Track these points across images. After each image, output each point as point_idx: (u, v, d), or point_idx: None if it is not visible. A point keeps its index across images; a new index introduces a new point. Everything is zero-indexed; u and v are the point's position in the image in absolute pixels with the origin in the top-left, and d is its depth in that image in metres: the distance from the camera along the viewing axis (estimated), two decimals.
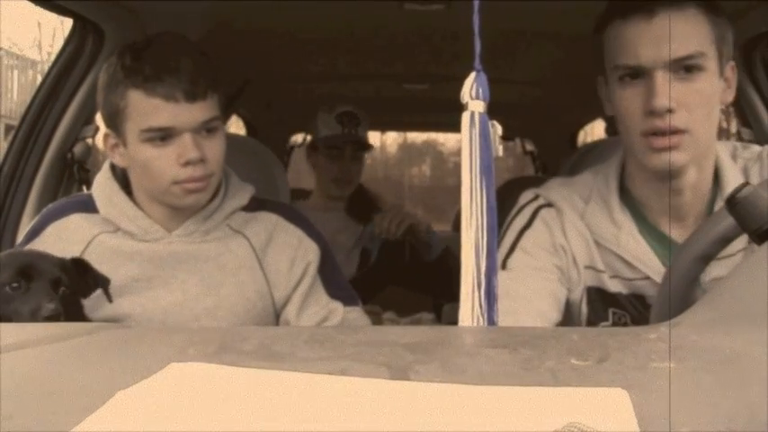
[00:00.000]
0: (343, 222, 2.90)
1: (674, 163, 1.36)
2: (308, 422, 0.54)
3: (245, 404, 0.56)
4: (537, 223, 1.47)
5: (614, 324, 1.45)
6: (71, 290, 1.42)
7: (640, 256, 1.43)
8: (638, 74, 1.35)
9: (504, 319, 1.18)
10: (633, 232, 1.44)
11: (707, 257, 1.08)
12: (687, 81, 1.34)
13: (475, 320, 0.85)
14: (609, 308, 1.45)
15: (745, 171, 1.47)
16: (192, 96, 1.50)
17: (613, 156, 1.54)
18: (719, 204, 1.41)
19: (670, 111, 1.32)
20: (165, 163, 1.53)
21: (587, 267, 1.46)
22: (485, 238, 0.86)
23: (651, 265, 1.43)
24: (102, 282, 1.51)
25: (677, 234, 1.43)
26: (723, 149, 1.47)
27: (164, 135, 1.51)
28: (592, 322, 1.46)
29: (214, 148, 1.55)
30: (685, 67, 1.34)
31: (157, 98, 1.50)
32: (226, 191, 1.67)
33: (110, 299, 1.51)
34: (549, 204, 1.49)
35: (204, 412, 0.55)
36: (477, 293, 0.85)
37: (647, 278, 1.42)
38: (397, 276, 2.84)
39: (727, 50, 1.39)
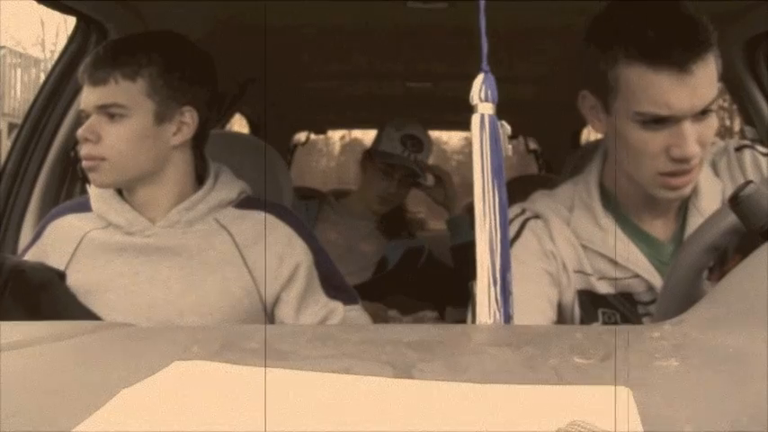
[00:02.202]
0: (371, 232, 2.90)
1: (686, 194, 1.44)
2: (311, 420, 0.54)
3: (248, 402, 0.56)
4: (525, 233, 1.51)
5: (604, 323, 1.49)
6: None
7: (627, 255, 1.48)
8: (664, 120, 1.37)
9: None
10: (619, 234, 1.49)
11: (716, 248, 1.10)
12: (703, 121, 1.37)
13: (491, 317, 0.86)
14: (598, 308, 1.50)
15: (714, 165, 1.53)
16: (93, 81, 1.60)
17: (593, 163, 1.59)
18: (694, 197, 1.49)
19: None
20: (81, 141, 1.62)
21: (576, 272, 1.50)
22: (498, 236, 0.87)
23: (638, 263, 1.48)
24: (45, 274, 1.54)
25: (660, 230, 1.51)
26: None
27: (86, 116, 1.62)
28: (584, 324, 1.50)
29: (111, 134, 1.60)
30: (703, 111, 1.37)
31: (83, 79, 1.63)
32: (214, 184, 1.69)
33: None
34: (536, 216, 1.54)
35: (208, 410, 0.55)
36: (492, 290, 0.86)
37: (636, 276, 1.48)
38: (407, 286, 2.83)
39: (720, 74, 1.43)
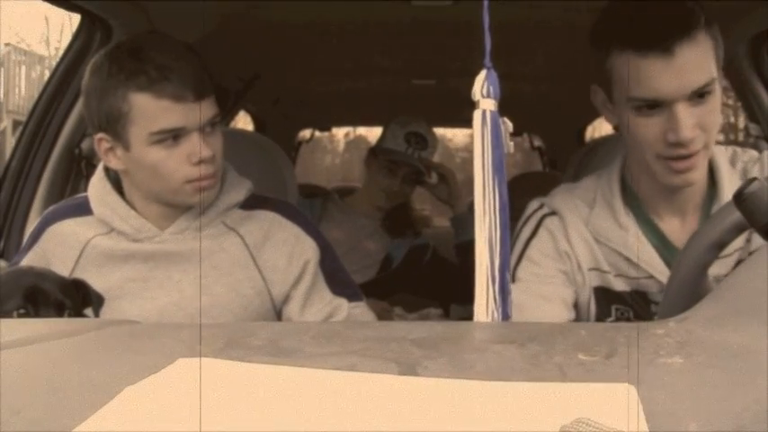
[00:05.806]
0: (375, 230, 2.90)
1: (692, 180, 1.42)
2: (316, 418, 0.54)
3: (252, 400, 0.56)
4: (541, 232, 1.54)
5: (617, 320, 1.51)
6: (73, 312, 1.40)
7: (644, 257, 1.49)
8: (657, 104, 1.37)
9: None
10: (638, 235, 1.49)
11: (720, 245, 1.10)
12: (702, 105, 1.37)
13: (489, 315, 0.85)
14: (612, 305, 1.51)
15: (745, 172, 1.51)
16: (200, 95, 1.50)
17: (616, 155, 1.59)
18: (716, 200, 1.48)
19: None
20: (177, 163, 1.52)
21: (591, 269, 1.52)
22: (498, 234, 0.87)
23: (654, 265, 1.48)
24: (95, 302, 1.48)
25: (676, 228, 1.50)
26: (721, 153, 1.52)
27: (175, 135, 1.51)
28: (599, 320, 1.52)
29: (218, 145, 1.56)
30: (700, 94, 1.36)
31: (166, 99, 1.49)
32: (221, 187, 1.66)
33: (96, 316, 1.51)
34: (553, 213, 1.55)
35: (212, 408, 0.55)
36: (491, 288, 0.86)
37: (651, 277, 1.48)
38: (412, 284, 2.83)
39: (721, 57, 1.41)
